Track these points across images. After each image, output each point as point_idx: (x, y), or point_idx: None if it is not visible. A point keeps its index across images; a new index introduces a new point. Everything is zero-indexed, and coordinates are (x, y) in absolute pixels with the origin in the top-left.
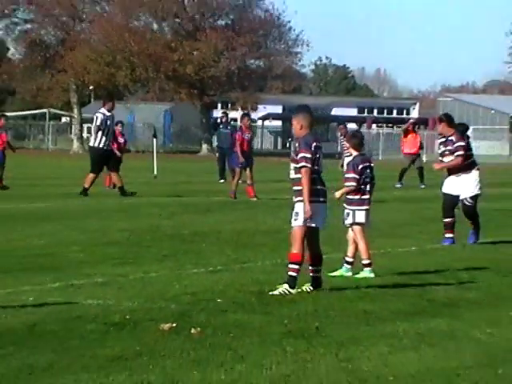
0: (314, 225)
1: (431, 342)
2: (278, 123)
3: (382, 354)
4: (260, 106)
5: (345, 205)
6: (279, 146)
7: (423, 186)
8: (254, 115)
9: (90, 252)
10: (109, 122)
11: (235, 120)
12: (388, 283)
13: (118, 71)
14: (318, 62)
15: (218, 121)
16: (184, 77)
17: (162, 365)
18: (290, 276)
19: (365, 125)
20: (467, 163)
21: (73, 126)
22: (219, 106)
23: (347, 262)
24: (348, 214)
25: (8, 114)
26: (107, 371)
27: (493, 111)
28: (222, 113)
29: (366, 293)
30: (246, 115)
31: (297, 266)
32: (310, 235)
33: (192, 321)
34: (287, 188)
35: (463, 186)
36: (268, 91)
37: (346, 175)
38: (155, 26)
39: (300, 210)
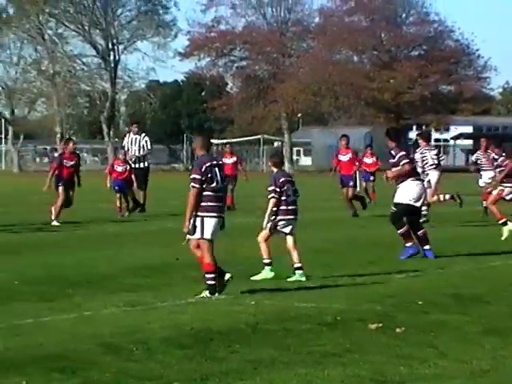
0: (208, 237)
1: None
2: (469, 142)
3: None
4: (452, 127)
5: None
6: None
7: None
8: (446, 135)
9: (304, 259)
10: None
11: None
12: None
13: (323, 100)
14: (506, 86)
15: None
16: (382, 103)
17: (371, 360)
18: (209, 285)
19: None
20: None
21: (284, 150)
22: (414, 127)
23: (297, 268)
24: (282, 224)
25: (227, 140)
26: (323, 366)
27: None
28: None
29: None
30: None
31: (212, 275)
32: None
33: (396, 320)
34: None
35: (397, 193)
36: (459, 113)
37: (269, 188)
38: (355, 59)
39: (197, 225)
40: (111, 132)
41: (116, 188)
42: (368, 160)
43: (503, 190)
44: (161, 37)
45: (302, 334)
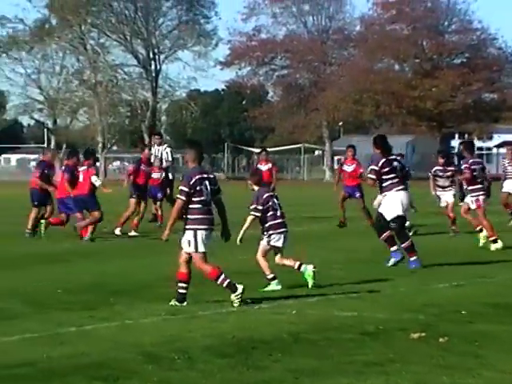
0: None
1: None
2: None
3: None
4: (495, 135)
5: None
6: None
7: None
8: (489, 143)
9: (348, 269)
10: None
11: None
12: None
13: (364, 108)
14: None
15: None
16: (424, 111)
17: (414, 370)
18: (179, 293)
19: None
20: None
21: (325, 158)
22: (456, 136)
23: (272, 278)
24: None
25: (268, 149)
26: (365, 376)
27: None
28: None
29: None
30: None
31: (185, 285)
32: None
33: (439, 330)
34: None
35: (382, 204)
36: (502, 121)
37: (250, 207)
38: (396, 67)
39: (190, 238)
40: (152, 141)
41: (153, 196)
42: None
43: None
44: (202, 46)
45: (344, 343)
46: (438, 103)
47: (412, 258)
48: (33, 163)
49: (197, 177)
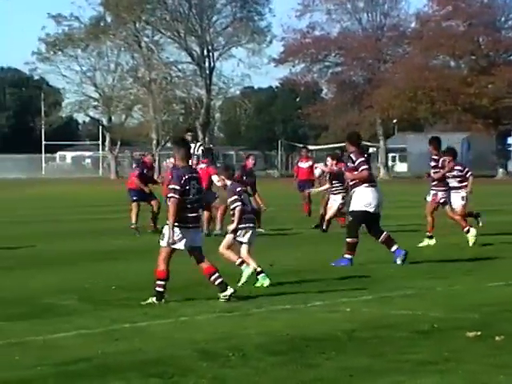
0: (177, 247)
1: None
2: None
3: None
4: None
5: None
6: None
7: None
8: None
9: (403, 268)
10: None
11: None
12: None
13: (419, 105)
14: None
15: None
16: (480, 108)
17: (469, 369)
18: (157, 291)
19: None
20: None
21: (379, 156)
22: None
23: (259, 273)
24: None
25: (321, 146)
26: (419, 374)
27: None
28: None
29: None
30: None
31: (162, 282)
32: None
33: (495, 329)
34: None
35: (352, 200)
36: None
37: (230, 199)
38: (452, 64)
39: (165, 232)
40: (206, 138)
41: None
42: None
43: (436, 196)
44: (255, 43)
45: (398, 341)
46: (494, 100)
47: (347, 256)
48: (88, 160)
49: (186, 176)
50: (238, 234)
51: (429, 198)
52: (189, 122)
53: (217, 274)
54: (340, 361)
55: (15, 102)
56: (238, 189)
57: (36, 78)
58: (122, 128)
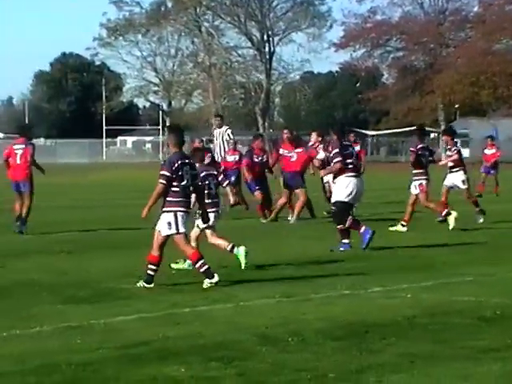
0: (181, 231)
1: None
2: None
3: None
4: None
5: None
6: None
7: None
8: None
9: (464, 253)
10: None
11: None
12: None
13: (481, 90)
14: None
15: None
16: None
17: None
18: (148, 274)
19: None
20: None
21: (440, 141)
22: None
23: (232, 248)
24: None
25: (382, 131)
26: (480, 361)
27: None
28: None
29: None
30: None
31: (154, 267)
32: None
33: None
34: None
35: (334, 191)
36: None
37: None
38: None
39: (171, 220)
40: (266, 123)
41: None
42: (488, 151)
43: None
44: (316, 28)
45: (460, 328)
46: None
47: (344, 241)
48: (148, 145)
49: (179, 162)
50: (196, 217)
51: (414, 191)
52: (248, 107)
53: (202, 261)
54: (401, 347)
55: (77, 88)
56: (204, 173)
57: (97, 63)
58: (181, 113)
